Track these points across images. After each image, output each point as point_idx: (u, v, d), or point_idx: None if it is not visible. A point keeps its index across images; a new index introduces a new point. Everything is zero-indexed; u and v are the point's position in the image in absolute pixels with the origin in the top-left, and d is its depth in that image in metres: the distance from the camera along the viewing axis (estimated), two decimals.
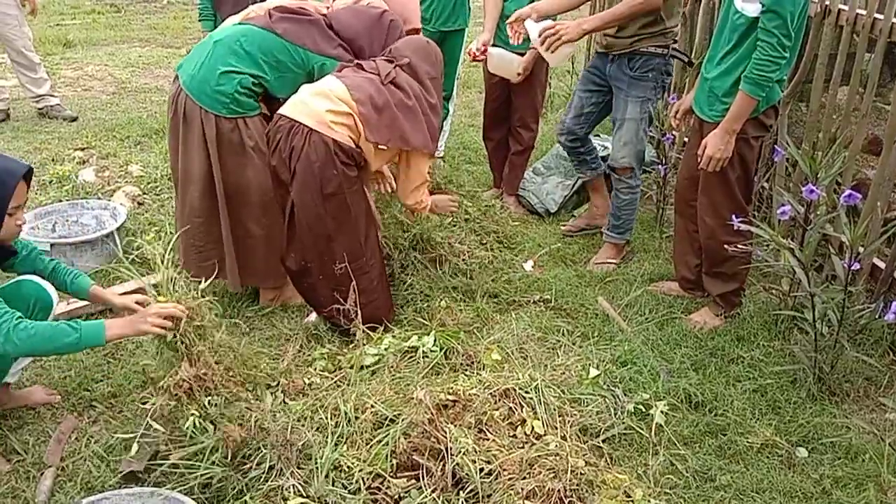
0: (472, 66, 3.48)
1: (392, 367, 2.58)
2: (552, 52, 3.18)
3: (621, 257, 3.68)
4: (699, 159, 2.85)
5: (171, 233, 3.75)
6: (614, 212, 3.64)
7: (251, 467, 2.11)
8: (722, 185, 2.89)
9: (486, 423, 2.22)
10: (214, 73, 2.79)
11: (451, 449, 2.10)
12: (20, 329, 2.06)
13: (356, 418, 2.25)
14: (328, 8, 3.02)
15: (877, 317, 2.85)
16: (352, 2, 3.07)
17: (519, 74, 3.75)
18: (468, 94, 6.40)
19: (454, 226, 3.63)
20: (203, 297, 2.35)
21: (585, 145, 3.76)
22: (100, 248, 3.63)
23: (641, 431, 2.47)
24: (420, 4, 4.32)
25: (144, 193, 4.38)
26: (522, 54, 3.81)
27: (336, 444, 2.17)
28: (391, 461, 2.11)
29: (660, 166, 3.84)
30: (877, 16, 2.97)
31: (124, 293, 3.18)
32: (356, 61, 2.85)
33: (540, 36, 3.16)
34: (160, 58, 7.50)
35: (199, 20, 4.42)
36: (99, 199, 4.20)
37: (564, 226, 3.99)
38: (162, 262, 2.36)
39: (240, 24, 2.91)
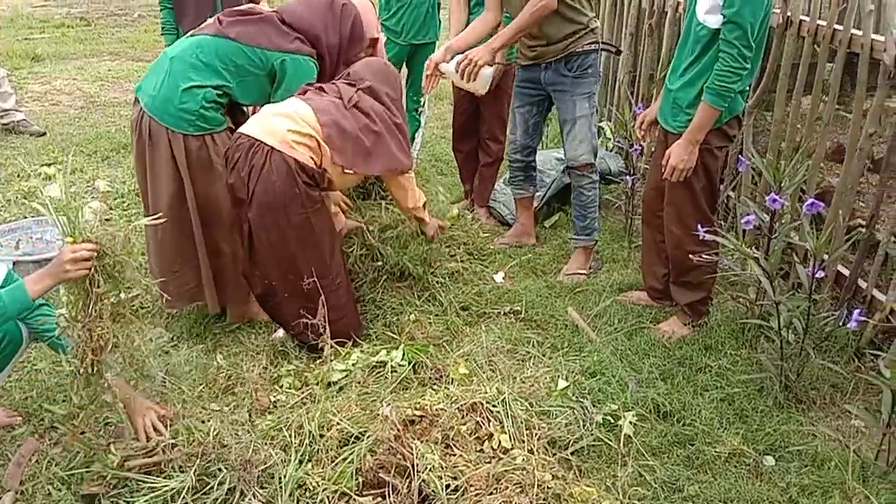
0: (445, 79, 3.49)
1: (360, 382, 2.56)
2: (474, 79, 3.28)
3: (590, 263, 3.70)
4: (663, 170, 2.87)
5: (142, 253, 3.76)
6: (580, 212, 3.66)
7: (213, 486, 2.07)
8: (687, 195, 2.91)
9: (453, 439, 2.21)
10: (176, 90, 2.74)
11: (417, 465, 2.08)
12: None
13: (321, 436, 2.23)
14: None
15: (840, 324, 2.87)
16: None
17: (483, 92, 3.76)
18: (440, 105, 6.40)
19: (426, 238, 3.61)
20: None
21: (535, 159, 3.86)
22: None
23: (610, 443, 2.46)
24: (390, 18, 4.35)
25: (111, 209, 4.33)
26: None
27: (300, 463, 2.15)
28: (356, 479, 2.10)
29: (628, 177, 3.86)
30: (836, 26, 3.01)
31: None
32: (317, 84, 2.83)
33: (457, 71, 3.26)
34: (130, 71, 7.44)
35: (162, 34, 4.39)
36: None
37: (497, 240, 3.99)
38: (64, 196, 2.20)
39: (191, 36, 2.88)
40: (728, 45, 2.61)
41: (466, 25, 3.87)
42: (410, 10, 4.31)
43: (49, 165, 4.94)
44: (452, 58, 3.33)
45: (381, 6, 4.38)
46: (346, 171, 2.73)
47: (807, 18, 3.16)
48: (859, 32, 2.89)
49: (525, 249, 3.92)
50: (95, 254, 2.09)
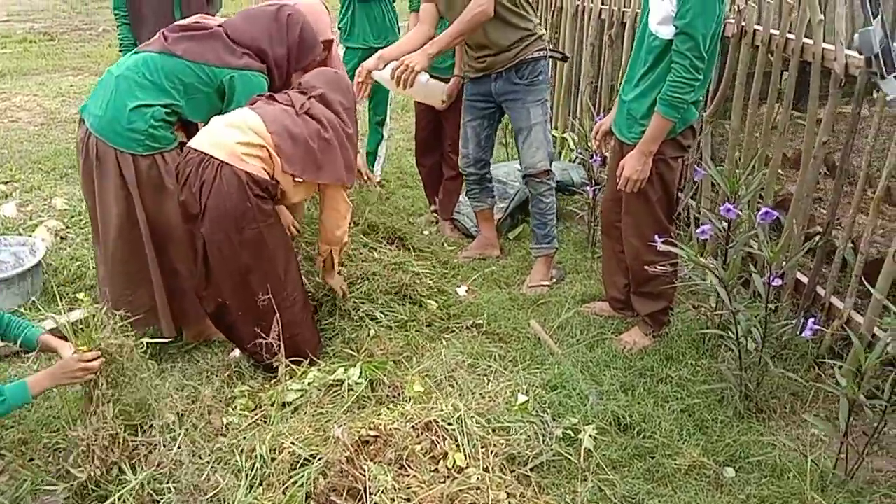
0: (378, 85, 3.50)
1: (315, 402, 2.50)
2: (411, 85, 3.23)
3: (552, 272, 3.68)
4: (618, 181, 2.87)
5: (93, 267, 3.68)
6: (540, 220, 3.65)
7: None
8: (644, 205, 2.90)
9: (407, 459, 2.16)
10: (123, 110, 2.68)
11: (369, 488, 2.04)
12: None
13: (273, 459, 2.17)
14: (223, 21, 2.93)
15: (797, 333, 2.87)
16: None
17: (444, 102, 3.74)
18: (407, 117, 6.38)
19: (385, 250, 3.58)
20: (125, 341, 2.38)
21: (489, 171, 3.85)
22: (17, 287, 3.49)
23: (570, 457, 2.43)
24: (344, 18, 4.35)
25: (68, 227, 4.25)
26: (447, 81, 3.81)
27: (251, 487, 2.10)
28: (308, 503, 2.04)
29: (588, 188, 3.86)
30: (789, 36, 3.03)
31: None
32: (268, 93, 2.79)
33: (392, 77, 3.21)
34: (92, 86, 7.30)
35: (120, 50, 4.32)
36: (20, 234, 4.05)
37: (461, 254, 3.97)
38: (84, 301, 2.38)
39: (136, 53, 2.82)
40: (680, 56, 2.62)
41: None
42: (362, 11, 4.34)
43: (5, 184, 4.84)
44: (386, 65, 3.28)
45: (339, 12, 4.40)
46: (296, 179, 2.67)
47: (760, 28, 3.18)
48: (811, 41, 2.91)
49: (489, 262, 3.90)
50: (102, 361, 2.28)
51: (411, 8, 4.07)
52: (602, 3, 4.50)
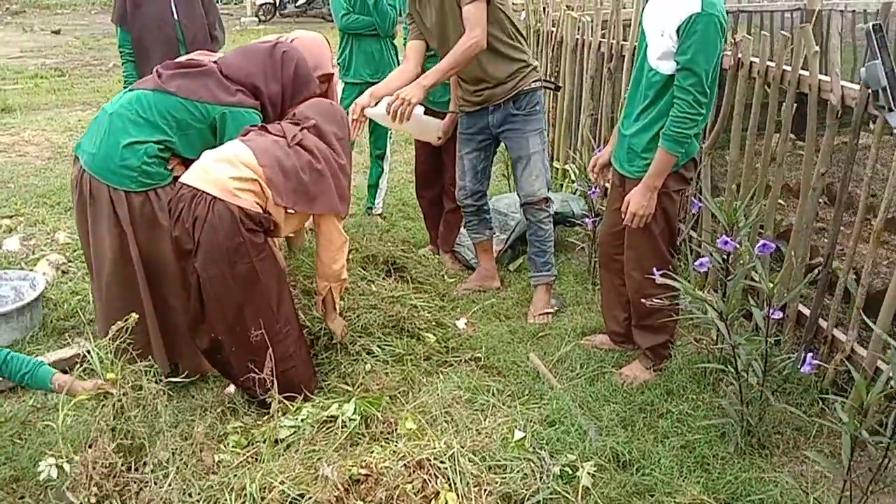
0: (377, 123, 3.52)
1: (308, 439, 2.47)
2: (407, 118, 3.19)
3: (552, 300, 3.67)
4: (622, 216, 2.84)
5: (92, 302, 3.68)
6: (538, 248, 3.65)
7: None
8: (647, 239, 2.88)
9: (398, 499, 2.12)
10: (117, 147, 2.70)
11: None
12: None
13: (262, 499, 2.13)
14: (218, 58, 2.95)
15: (798, 367, 2.82)
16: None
17: (439, 138, 3.77)
18: (409, 149, 6.38)
19: (383, 282, 3.56)
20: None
21: (487, 202, 3.85)
22: (16, 321, 3.49)
23: (568, 495, 2.38)
24: (343, 53, 4.39)
25: (69, 261, 4.26)
26: (444, 116, 3.84)
27: None
28: None
29: (588, 219, 3.84)
30: (785, 67, 3.03)
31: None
32: (261, 124, 2.80)
33: (388, 112, 3.17)
34: None
35: (125, 87, 4.35)
36: (21, 268, 4.06)
37: (461, 287, 3.94)
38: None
39: (130, 90, 2.84)
40: (683, 91, 2.61)
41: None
42: (360, 46, 4.39)
43: (10, 217, 4.87)
44: (378, 102, 3.27)
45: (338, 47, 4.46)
46: (288, 211, 2.66)
47: (756, 60, 3.18)
48: (807, 73, 2.90)
49: (489, 294, 3.87)
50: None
51: (406, 44, 4.10)
52: (602, 37, 4.53)
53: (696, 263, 2.68)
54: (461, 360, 3.22)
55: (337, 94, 3.63)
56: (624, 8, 4.40)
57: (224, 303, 2.60)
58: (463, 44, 3.21)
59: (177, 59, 2.90)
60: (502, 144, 3.72)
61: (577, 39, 4.84)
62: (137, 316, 2.59)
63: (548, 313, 3.61)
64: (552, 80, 4.31)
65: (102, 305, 2.87)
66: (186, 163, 2.93)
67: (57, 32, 14.39)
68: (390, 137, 4.82)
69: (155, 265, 2.82)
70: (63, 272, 4.14)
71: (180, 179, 2.62)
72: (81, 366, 3.10)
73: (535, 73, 3.52)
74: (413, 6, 3.46)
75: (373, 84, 4.37)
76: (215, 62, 2.85)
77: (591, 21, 4.63)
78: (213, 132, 2.82)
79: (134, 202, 2.73)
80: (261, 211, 2.60)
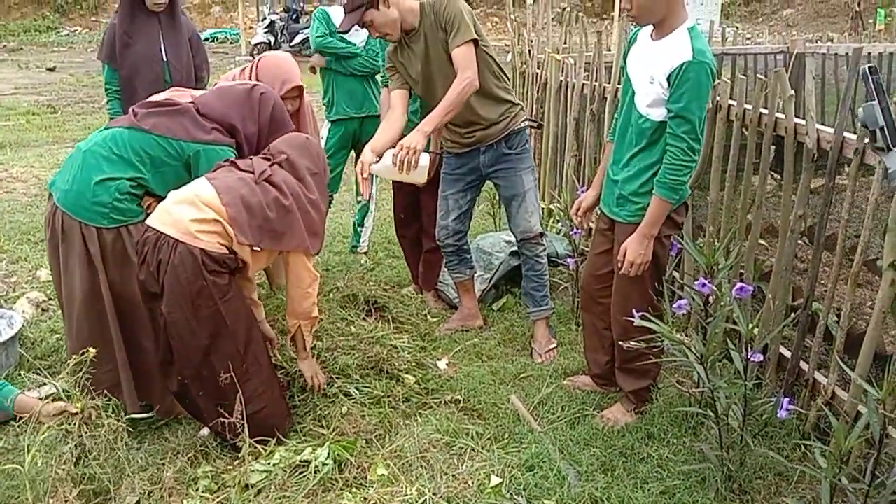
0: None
1: (279, 485, 2.42)
2: (415, 167, 3.16)
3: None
4: (617, 262, 2.83)
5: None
6: (536, 282, 3.67)
7: None
8: (636, 284, 2.85)
9: None
10: (89, 184, 2.70)
11: None
12: None
13: None
14: (193, 97, 2.96)
15: (777, 412, 2.79)
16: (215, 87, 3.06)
17: (422, 183, 3.77)
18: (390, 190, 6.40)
19: (363, 322, 3.53)
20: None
21: (467, 242, 3.86)
22: None
23: None
24: (328, 93, 4.44)
25: (50, 299, 4.22)
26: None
27: None
28: None
29: (571, 260, 3.84)
30: (762, 110, 3.06)
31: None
32: (231, 159, 2.79)
33: (395, 164, 3.14)
34: None
35: (107, 104, 4.36)
36: (0, 306, 4.02)
37: (443, 327, 3.92)
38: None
39: (105, 129, 2.85)
40: (676, 138, 2.62)
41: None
42: (343, 84, 4.45)
43: None
44: (380, 157, 3.24)
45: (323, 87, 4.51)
46: (255, 249, 2.63)
47: (734, 103, 3.21)
48: (783, 116, 2.92)
49: (471, 333, 3.85)
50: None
51: (384, 83, 4.12)
52: (585, 79, 4.58)
53: (675, 306, 2.65)
54: (441, 402, 3.18)
55: (310, 108, 3.65)
56: (608, 50, 4.45)
57: (189, 346, 2.56)
58: (457, 85, 3.23)
59: (152, 98, 2.91)
60: (487, 184, 3.74)
61: (561, 81, 4.89)
62: (95, 351, 2.58)
63: (552, 349, 3.61)
64: (536, 118, 4.37)
65: (73, 343, 2.84)
66: (160, 200, 2.93)
67: (52, 70, 14.52)
68: (376, 176, 4.83)
69: (127, 303, 2.79)
70: (43, 310, 4.10)
71: (146, 221, 2.61)
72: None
73: (523, 112, 3.57)
74: (395, 57, 3.46)
75: (357, 119, 4.43)
76: (191, 101, 2.86)
77: (574, 63, 4.69)
78: (187, 169, 2.82)
79: (106, 238, 2.72)
80: (226, 251, 2.57)
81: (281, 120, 2.96)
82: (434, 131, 3.33)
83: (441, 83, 3.33)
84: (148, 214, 2.75)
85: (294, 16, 17.68)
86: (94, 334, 2.79)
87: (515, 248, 4.23)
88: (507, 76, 3.56)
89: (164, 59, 4.24)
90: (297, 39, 16.41)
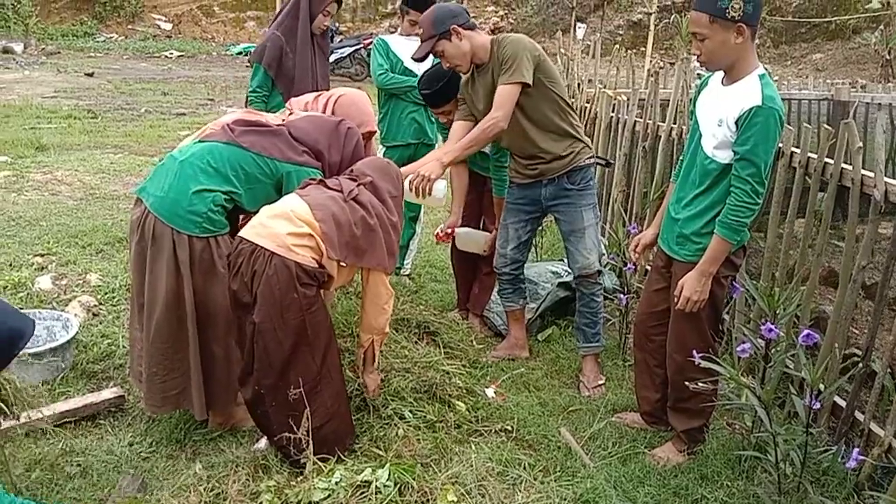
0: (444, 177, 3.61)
1: (342, 503, 2.45)
2: (429, 193, 3.28)
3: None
4: (675, 300, 2.85)
5: (123, 346, 3.70)
6: (589, 319, 3.71)
7: None
8: (693, 324, 2.88)
9: None
10: (186, 193, 2.78)
11: None
12: None
13: None
14: (283, 120, 3.07)
15: (839, 460, 2.80)
16: (305, 114, 3.16)
17: (485, 251, 3.97)
18: (438, 212, 6.47)
19: (414, 346, 3.56)
20: None
21: (523, 272, 3.91)
22: (48, 362, 3.50)
23: None
24: (385, 118, 4.50)
25: (101, 304, 4.28)
26: (484, 181, 3.98)
27: None
28: None
29: (622, 295, 3.86)
30: (827, 160, 3.09)
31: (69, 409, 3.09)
32: (319, 178, 2.88)
33: (411, 189, 3.25)
34: (132, 165, 7.55)
35: (250, 105, 4.33)
36: (53, 308, 4.09)
37: (490, 354, 3.96)
38: None
39: (201, 142, 2.93)
40: (741, 181, 2.65)
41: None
42: (403, 110, 4.49)
43: (42, 256, 4.92)
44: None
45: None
46: (341, 264, 2.73)
47: (798, 151, 3.25)
48: (850, 167, 2.96)
49: (517, 363, 3.87)
50: None
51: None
52: (637, 116, 4.64)
53: (739, 349, 2.68)
54: (491, 431, 3.20)
55: (376, 152, 3.75)
56: (663, 88, 4.51)
57: (272, 355, 2.64)
58: (483, 123, 3.33)
59: (245, 118, 3.00)
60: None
61: (612, 117, 4.95)
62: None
63: (600, 385, 3.63)
64: (604, 157, 4.45)
65: (149, 346, 2.90)
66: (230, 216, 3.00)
67: (90, 75, 14.74)
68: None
69: (205, 310, 2.87)
70: (94, 314, 4.16)
71: (240, 234, 2.68)
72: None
73: (589, 149, 3.62)
74: (466, 89, 3.58)
75: (413, 145, 4.49)
76: (282, 124, 2.96)
77: (628, 100, 4.75)
78: (277, 189, 2.92)
79: (195, 247, 2.80)
80: (316, 265, 2.65)
81: (360, 156, 3.10)
82: (452, 163, 3.45)
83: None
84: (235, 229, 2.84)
85: (329, 35, 17.91)
86: (172, 338, 2.87)
87: (563, 280, 4.28)
88: (573, 113, 3.61)
89: (314, 74, 4.36)
90: (332, 58, 16.63)
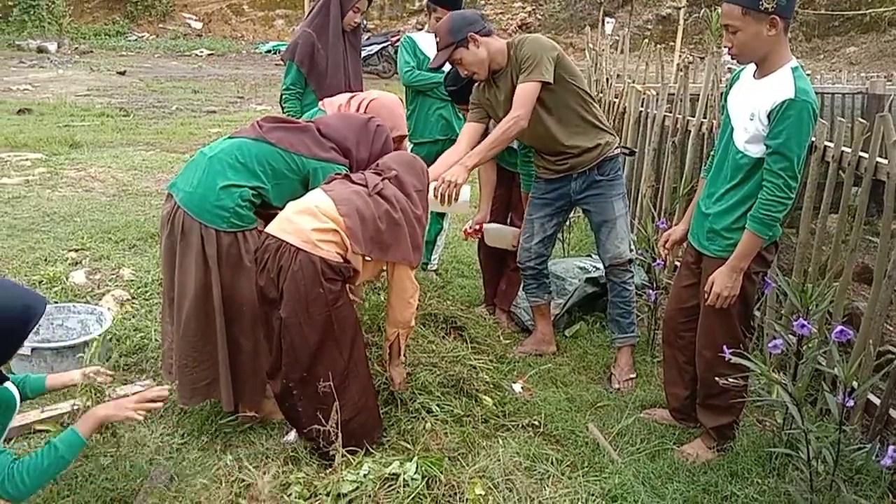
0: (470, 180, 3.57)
1: (371, 496, 2.46)
2: (456, 199, 3.24)
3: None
4: (705, 296, 2.82)
5: (156, 339, 3.75)
6: (623, 308, 3.71)
7: None
8: (723, 319, 2.86)
9: None
10: (214, 188, 2.82)
11: None
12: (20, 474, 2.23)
13: None
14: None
15: (874, 458, 2.75)
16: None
17: (514, 246, 3.96)
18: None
19: (441, 340, 3.57)
20: None
21: (547, 267, 3.91)
22: (82, 354, 3.56)
23: None
24: (413, 115, 4.50)
25: (133, 298, 4.35)
26: (512, 175, 3.98)
27: None
28: None
29: (650, 290, 3.84)
30: (862, 154, 3.04)
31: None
32: (345, 173, 2.91)
33: (436, 196, 3.21)
34: (164, 162, 7.65)
35: (284, 102, 4.38)
36: (87, 302, 4.16)
37: (517, 349, 3.95)
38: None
39: (230, 138, 2.97)
40: (773, 175, 2.61)
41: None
42: (431, 107, 4.50)
43: (76, 251, 5.01)
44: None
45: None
46: (366, 259, 2.74)
47: (831, 145, 3.20)
48: (885, 161, 2.91)
49: (545, 358, 3.87)
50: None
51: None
52: (666, 111, 4.60)
53: (770, 345, 2.65)
54: (518, 426, 3.20)
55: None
56: (693, 83, 4.47)
57: (299, 350, 2.66)
58: (504, 123, 3.31)
59: (275, 115, 3.04)
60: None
61: (641, 112, 4.91)
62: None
63: (633, 378, 3.62)
64: (629, 146, 4.47)
65: (179, 339, 2.95)
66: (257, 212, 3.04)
67: (122, 73, 14.96)
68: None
69: (232, 304, 2.90)
70: (127, 309, 4.23)
71: (266, 230, 2.71)
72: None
73: (615, 139, 3.63)
74: (481, 95, 3.56)
75: (441, 141, 4.49)
76: (310, 121, 2.99)
77: (657, 95, 4.71)
78: (303, 185, 2.95)
79: (223, 241, 2.83)
80: (341, 260, 2.67)
81: (387, 154, 3.11)
82: (476, 166, 3.42)
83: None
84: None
85: (361, 32, 17.97)
86: (201, 331, 2.91)
87: (591, 275, 4.26)
88: (596, 104, 3.60)
89: (345, 71, 4.39)
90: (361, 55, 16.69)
